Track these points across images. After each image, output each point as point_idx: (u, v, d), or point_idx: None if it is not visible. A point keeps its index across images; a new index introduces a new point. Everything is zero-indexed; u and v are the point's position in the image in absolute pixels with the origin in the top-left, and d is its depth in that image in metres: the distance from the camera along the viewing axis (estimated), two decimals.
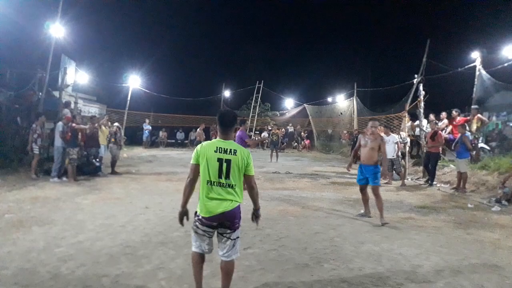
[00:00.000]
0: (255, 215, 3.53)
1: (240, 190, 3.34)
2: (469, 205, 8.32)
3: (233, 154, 3.24)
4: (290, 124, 28.92)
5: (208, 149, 3.26)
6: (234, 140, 3.40)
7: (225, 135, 3.35)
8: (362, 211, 7.24)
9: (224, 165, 3.22)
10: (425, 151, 11.71)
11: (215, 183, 3.23)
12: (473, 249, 5.31)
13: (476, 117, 12.01)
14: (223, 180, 3.23)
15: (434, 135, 10.78)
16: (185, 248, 4.85)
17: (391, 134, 11.69)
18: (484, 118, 12.58)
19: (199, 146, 3.34)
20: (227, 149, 3.25)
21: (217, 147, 3.25)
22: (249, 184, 3.40)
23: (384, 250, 5.15)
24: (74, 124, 10.34)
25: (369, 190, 7.06)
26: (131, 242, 5.14)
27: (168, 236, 5.50)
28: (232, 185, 3.26)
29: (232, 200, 3.25)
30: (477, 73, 12.84)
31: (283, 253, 4.90)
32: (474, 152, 10.98)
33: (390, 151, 11.05)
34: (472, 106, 12.46)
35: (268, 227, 6.02)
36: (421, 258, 4.82)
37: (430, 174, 10.93)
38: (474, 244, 5.59)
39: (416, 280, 4.13)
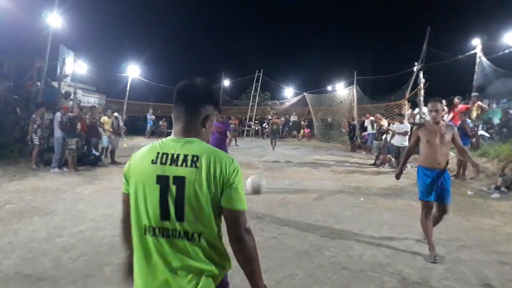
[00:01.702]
0: None
1: (217, 244, 1.56)
2: (469, 192, 8.35)
3: (191, 166, 1.51)
4: (294, 113, 28.80)
5: (141, 161, 1.60)
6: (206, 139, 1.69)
7: (180, 126, 1.63)
8: (427, 246, 4.57)
9: (172, 189, 1.51)
10: None
11: (156, 232, 1.53)
12: (472, 236, 5.34)
13: (476, 104, 11.99)
14: (171, 224, 1.52)
15: None
16: None
17: (404, 122, 11.75)
18: (484, 106, 12.55)
19: (131, 158, 1.69)
20: (177, 156, 1.54)
21: (157, 154, 1.56)
22: (235, 234, 1.55)
23: (384, 237, 5.18)
24: (70, 114, 10.30)
25: None
26: None
27: None
28: (193, 234, 1.51)
29: (196, 274, 1.51)
30: (477, 60, 12.78)
31: (284, 241, 4.92)
32: (474, 139, 10.97)
33: (401, 139, 11.34)
34: (472, 94, 12.43)
35: (269, 216, 6.05)
36: (420, 245, 4.84)
37: None
38: (473, 231, 5.61)
39: (415, 267, 4.16)
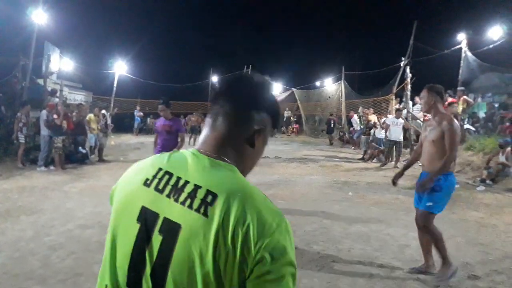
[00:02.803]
0: None
1: None
2: (461, 187, 8.44)
3: (197, 209, 0.85)
4: (287, 109, 28.71)
5: (133, 177, 1.01)
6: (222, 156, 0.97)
7: (213, 134, 1.00)
8: (421, 264, 3.94)
9: (154, 240, 0.87)
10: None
11: None
12: (458, 228, 5.43)
13: (462, 98, 12.15)
14: None
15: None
16: None
17: (401, 117, 11.92)
18: (470, 100, 12.73)
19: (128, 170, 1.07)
20: (184, 183, 0.90)
21: (157, 171, 0.95)
22: None
23: (373, 230, 5.25)
24: (55, 116, 10.10)
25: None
26: None
27: None
28: None
29: None
30: (463, 55, 12.95)
31: None
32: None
33: (398, 133, 11.48)
34: (458, 88, 12.60)
35: None
36: (408, 238, 4.91)
37: None
38: (459, 223, 5.71)
39: (403, 259, 4.22)
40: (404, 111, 13.72)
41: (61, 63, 15.46)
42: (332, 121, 19.65)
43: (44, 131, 10.09)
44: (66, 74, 17.44)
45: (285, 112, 28.19)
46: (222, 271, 0.81)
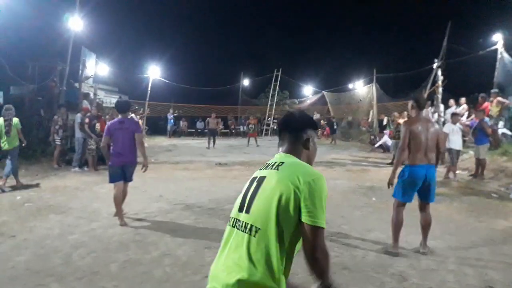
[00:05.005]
0: None
1: (271, 250, 1.55)
2: (494, 195, 8.03)
3: (275, 168, 1.72)
4: (315, 112, 28.48)
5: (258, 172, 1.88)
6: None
7: (284, 147, 1.88)
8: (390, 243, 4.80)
9: (253, 185, 1.73)
10: None
11: (231, 222, 1.72)
12: (482, 237, 5.24)
13: (495, 100, 11.65)
14: (241, 215, 1.68)
15: None
16: (192, 235, 5.05)
17: (458, 123, 10.77)
18: (504, 100, 12.11)
19: None
20: (273, 164, 1.78)
21: (266, 164, 1.84)
22: (309, 252, 1.60)
23: (391, 237, 5.12)
24: (86, 120, 10.50)
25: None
26: (142, 230, 5.32)
27: (177, 223, 5.68)
28: (251, 227, 1.59)
29: (236, 276, 1.53)
30: (498, 56, 12.44)
31: None
32: (492, 139, 10.63)
33: (458, 141, 9.80)
34: (492, 90, 12.08)
35: None
36: None
37: None
38: (484, 231, 5.51)
39: (418, 268, 4.14)
40: (435, 115, 13.34)
41: (97, 67, 16.11)
42: (334, 123, 21.94)
43: (79, 134, 10.55)
44: (102, 78, 18.13)
45: (314, 115, 27.94)
46: (284, 194, 1.59)
